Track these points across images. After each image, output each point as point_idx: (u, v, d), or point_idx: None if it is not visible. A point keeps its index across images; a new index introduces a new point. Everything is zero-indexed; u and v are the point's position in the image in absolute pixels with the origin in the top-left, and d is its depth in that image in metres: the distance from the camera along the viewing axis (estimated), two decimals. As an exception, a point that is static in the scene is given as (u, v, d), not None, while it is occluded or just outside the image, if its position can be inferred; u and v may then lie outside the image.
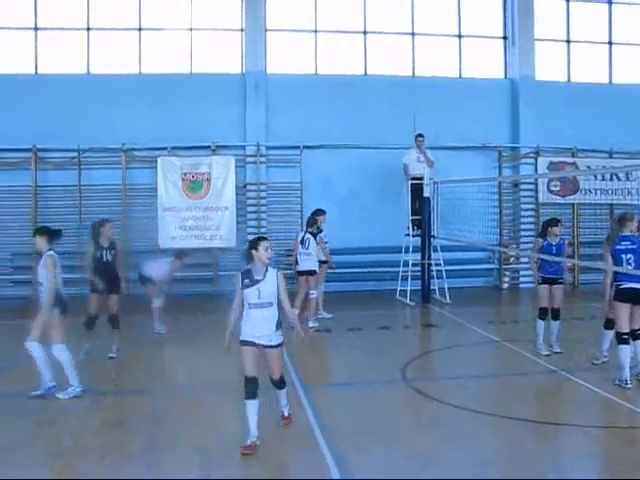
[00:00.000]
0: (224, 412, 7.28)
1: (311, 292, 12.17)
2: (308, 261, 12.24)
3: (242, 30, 16.88)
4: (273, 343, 6.35)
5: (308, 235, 12.26)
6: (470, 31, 17.97)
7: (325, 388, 8.43)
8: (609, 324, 8.80)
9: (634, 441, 6.59)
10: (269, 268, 6.36)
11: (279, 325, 6.37)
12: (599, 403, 7.81)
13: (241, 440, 6.06)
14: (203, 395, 7.90)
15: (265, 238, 6.50)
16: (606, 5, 18.66)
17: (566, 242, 10.20)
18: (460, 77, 17.83)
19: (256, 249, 6.28)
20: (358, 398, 7.91)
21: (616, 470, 5.85)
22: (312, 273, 12.23)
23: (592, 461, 6.17)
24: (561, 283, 9.85)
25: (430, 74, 17.59)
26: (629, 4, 18.82)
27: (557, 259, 9.68)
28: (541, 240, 9.88)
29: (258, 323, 6.28)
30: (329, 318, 12.77)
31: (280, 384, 6.57)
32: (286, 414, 6.81)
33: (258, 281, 6.28)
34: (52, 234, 8.08)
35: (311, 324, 11.99)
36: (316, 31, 17.27)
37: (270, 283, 6.30)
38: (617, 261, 8.21)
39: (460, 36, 17.88)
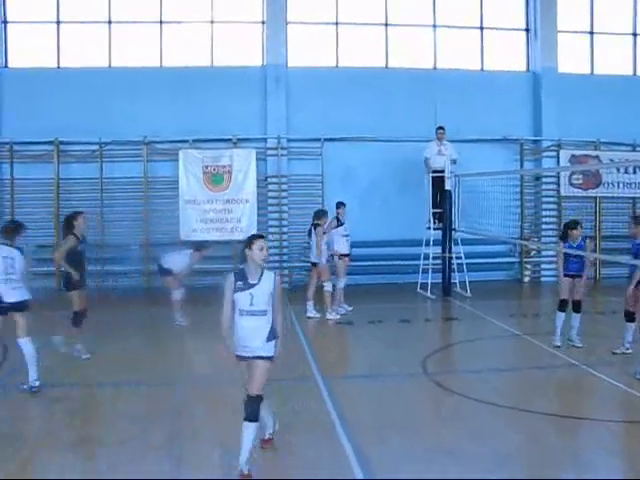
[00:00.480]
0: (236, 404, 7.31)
1: (324, 284, 12.22)
2: (311, 253, 12.47)
3: (263, 22, 16.88)
4: (261, 354, 5.52)
5: (311, 228, 12.38)
6: (492, 23, 17.84)
7: (345, 380, 8.46)
8: (630, 317, 8.85)
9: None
10: (265, 271, 5.57)
11: (272, 336, 5.56)
12: (620, 397, 7.78)
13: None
14: (224, 387, 7.92)
15: (261, 236, 5.71)
16: None
17: (587, 240, 10.17)
18: (482, 70, 17.71)
19: (250, 248, 5.50)
20: (378, 390, 7.93)
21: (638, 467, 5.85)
22: (315, 264, 12.32)
23: (614, 457, 6.13)
24: (581, 277, 9.83)
25: (452, 66, 17.50)
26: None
27: (580, 252, 9.64)
28: (562, 244, 9.89)
29: (247, 333, 5.49)
30: (350, 310, 12.78)
31: (254, 404, 5.48)
32: (266, 436, 6.03)
33: (252, 285, 5.48)
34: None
35: (329, 316, 12.05)
36: (337, 23, 17.24)
37: (265, 288, 5.51)
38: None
39: (482, 28, 17.75)
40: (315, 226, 12.27)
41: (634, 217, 8.78)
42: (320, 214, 12.48)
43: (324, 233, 12.32)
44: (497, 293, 15.56)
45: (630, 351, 9.04)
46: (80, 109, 15.85)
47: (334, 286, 12.56)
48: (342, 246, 12.82)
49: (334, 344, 11.01)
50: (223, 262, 15.80)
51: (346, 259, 13.04)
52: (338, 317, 12.16)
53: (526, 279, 17.38)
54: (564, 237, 9.88)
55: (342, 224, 12.87)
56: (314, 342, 10.56)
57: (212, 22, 16.92)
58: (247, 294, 5.45)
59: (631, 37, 18.53)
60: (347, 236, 12.98)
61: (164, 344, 10.43)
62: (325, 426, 6.59)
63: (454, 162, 14.97)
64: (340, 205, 12.96)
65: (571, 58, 18.13)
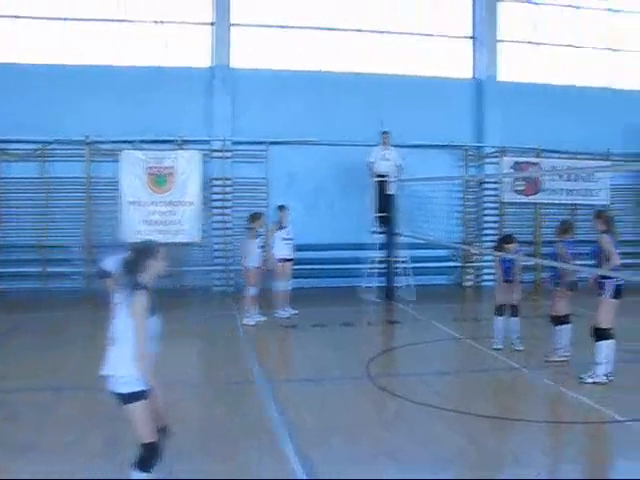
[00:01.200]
0: (182, 409, 7.25)
1: (249, 287, 12.16)
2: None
3: (212, 24, 16.78)
4: (118, 390, 4.60)
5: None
6: (438, 30, 18.08)
7: (289, 384, 8.45)
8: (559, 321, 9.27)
9: (592, 436, 6.78)
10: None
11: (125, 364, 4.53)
12: (558, 399, 7.97)
13: (206, 434, 6.03)
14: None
15: (161, 244, 4.92)
16: (571, 9, 18.94)
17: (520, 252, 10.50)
18: (427, 76, 17.87)
19: (155, 258, 4.71)
20: (322, 394, 7.94)
21: (573, 465, 6.01)
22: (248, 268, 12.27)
23: (550, 457, 6.26)
24: (518, 282, 10.11)
25: (398, 72, 17.66)
26: (592, 9, 19.13)
27: (513, 257, 9.91)
28: (511, 246, 10.09)
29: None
30: (294, 314, 12.77)
31: (144, 453, 4.62)
32: None
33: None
34: None
35: (245, 320, 11.99)
36: (284, 27, 17.24)
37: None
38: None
39: (428, 35, 17.97)
40: (249, 229, 12.25)
41: (597, 212, 8.93)
42: (253, 217, 12.42)
43: (257, 237, 12.25)
44: (440, 297, 15.75)
45: (568, 353, 9.24)
46: (23, 107, 15.47)
47: (277, 289, 12.56)
48: (283, 250, 12.77)
49: (277, 348, 11.01)
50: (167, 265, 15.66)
51: (288, 263, 13.00)
52: (253, 323, 11.99)
53: (468, 283, 17.64)
54: (499, 249, 10.12)
55: (284, 227, 12.84)
56: (257, 346, 10.55)
57: (160, 22, 16.73)
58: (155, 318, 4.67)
59: (572, 48, 18.99)
60: (289, 240, 12.94)
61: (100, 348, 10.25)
62: (268, 430, 6.58)
63: (399, 167, 15.10)
64: (282, 208, 12.93)
65: (514, 67, 18.50)
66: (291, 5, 17.34)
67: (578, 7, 18.99)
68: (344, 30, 17.56)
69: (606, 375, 8.23)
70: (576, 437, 6.72)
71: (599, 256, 8.33)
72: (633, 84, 19.49)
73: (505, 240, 10.24)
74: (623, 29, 19.49)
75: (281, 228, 12.80)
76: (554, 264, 9.31)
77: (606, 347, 8.23)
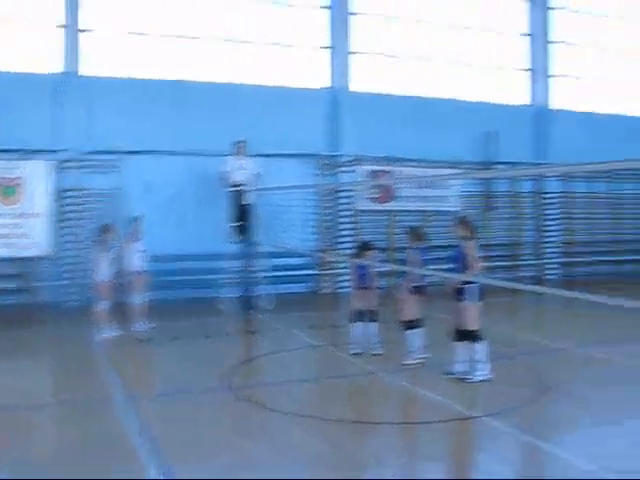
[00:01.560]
0: (31, 433, 6.94)
1: (101, 301, 11.82)
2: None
3: (66, 26, 16.12)
4: None
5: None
6: (293, 40, 18.29)
7: (148, 400, 8.23)
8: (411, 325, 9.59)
9: (449, 433, 7.08)
10: None
11: None
12: (416, 401, 8.24)
13: (61, 458, 5.78)
14: (21, 411, 7.49)
15: None
16: (422, 23, 19.74)
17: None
18: (283, 85, 18.03)
19: None
20: (182, 408, 7.80)
21: (432, 463, 6.22)
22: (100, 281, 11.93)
23: (409, 458, 6.47)
24: (373, 289, 10.36)
25: (253, 81, 17.70)
26: (442, 24, 20.02)
27: (365, 263, 10.13)
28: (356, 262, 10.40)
29: None
30: (151, 328, 12.46)
31: None
32: None
33: None
34: None
35: (104, 335, 11.64)
36: (139, 34, 16.81)
37: None
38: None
39: (283, 45, 18.14)
40: (99, 242, 11.90)
41: (459, 218, 9.29)
42: (104, 229, 12.05)
43: (109, 249, 11.91)
44: (298, 305, 15.89)
45: (423, 356, 9.56)
46: None
47: (133, 303, 12.24)
48: (137, 262, 12.44)
49: (136, 363, 10.69)
50: (15, 280, 14.97)
51: (143, 275, 12.67)
52: (108, 338, 11.62)
53: (325, 290, 17.89)
54: (358, 257, 10.36)
55: (138, 239, 12.52)
56: (114, 362, 10.22)
57: (4, 23, 15.92)
58: None
59: (419, 61, 19.78)
60: (143, 252, 12.63)
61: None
62: (126, 446, 6.39)
63: (256, 176, 15.11)
64: (136, 219, 12.62)
65: (369, 77, 19.03)
66: (147, 12, 16.93)
67: (429, 22, 19.81)
68: (200, 39, 17.38)
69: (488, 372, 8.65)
70: (434, 435, 6.96)
71: (461, 261, 8.66)
72: (480, 96, 20.56)
73: (364, 247, 10.47)
74: (470, 44, 20.52)
75: (135, 240, 12.47)
76: (406, 269, 9.61)
77: (483, 346, 8.62)
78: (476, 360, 8.62)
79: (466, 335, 8.67)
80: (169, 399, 8.16)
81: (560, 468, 6.12)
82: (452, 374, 8.81)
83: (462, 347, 8.79)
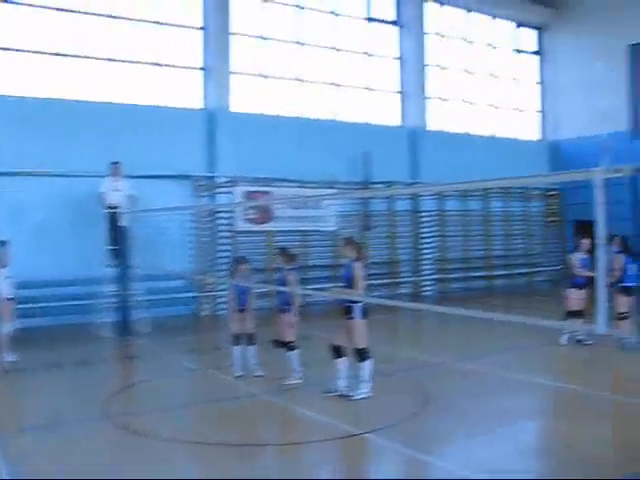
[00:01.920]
0: None
1: None
2: None
3: None
4: None
5: None
6: (170, 60, 18.09)
7: (19, 434, 7.76)
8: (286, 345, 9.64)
9: (333, 451, 7.11)
10: None
11: None
12: (298, 420, 8.23)
13: None
14: None
15: None
16: (298, 45, 19.98)
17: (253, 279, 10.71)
18: (159, 105, 17.78)
19: None
20: (57, 441, 7.43)
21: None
22: None
23: (298, 477, 6.44)
24: (249, 311, 10.29)
25: (130, 101, 17.32)
26: (318, 46, 20.35)
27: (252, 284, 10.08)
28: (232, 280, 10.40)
29: None
30: (19, 358, 11.82)
31: None
32: None
33: None
34: None
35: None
36: (18, 50, 16.17)
37: None
38: None
39: (160, 64, 17.90)
40: None
41: (346, 239, 9.38)
42: None
43: None
44: (178, 329, 15.59)
45: (300, 375, 9.58)
46: None
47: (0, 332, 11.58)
48: (5, 289, 11.79)
49: (5, 396, 10.11)
50: None
51: (11, 303, 12.02)
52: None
53: (204, 313, 17.67)
54: (234, 272, 10.31)
55: (4, 265, 11.87)
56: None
57: None
58: None
59: (297, 82, 20.02)
60: (10, 278, 11.98)
61: None
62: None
63: (130, 198, 14.78)
64: (3, 244, 11.99)
65: (245, 98, 19.06)
66: (24, 30, 16.25)
67: (303, 44, 20.08)
68: (75, 57, 16.85)
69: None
70: (318, 455, 6.99)
71: (349, 281, 8.76)
72: (357, 117, 21.01)
73: (238, 261, 10.52)
74: (348, 66, 20.98)
75: (3, 266, 11.85)
76: (285, 290, 9.62)
77: (370, 364, 8.70)
78: (361, 378, 8.71)
79: (355, 353, 8.76)
80: (43, 432, 7.76)
81: (440, 477, 6.29)
82: (334, 392, 8.87)
83: (343, 364, 8.88)
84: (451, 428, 7.69)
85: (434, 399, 8.78)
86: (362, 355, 8.72)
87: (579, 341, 12.32)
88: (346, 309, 8.76)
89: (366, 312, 8.77)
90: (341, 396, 8.76)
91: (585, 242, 12.55)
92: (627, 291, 12.15)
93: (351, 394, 8.70)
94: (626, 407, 8.60)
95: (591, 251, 12.21)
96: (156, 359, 12.13)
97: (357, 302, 8.67)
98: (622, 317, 11.84)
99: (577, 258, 12.71)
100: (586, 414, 8.32)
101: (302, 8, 20.21)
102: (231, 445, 7.10)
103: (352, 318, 8.71)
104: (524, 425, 8.09)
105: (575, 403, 9.02)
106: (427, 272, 21.60)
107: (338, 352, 8.90)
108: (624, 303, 12.10)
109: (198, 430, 7.83)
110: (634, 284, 12.15)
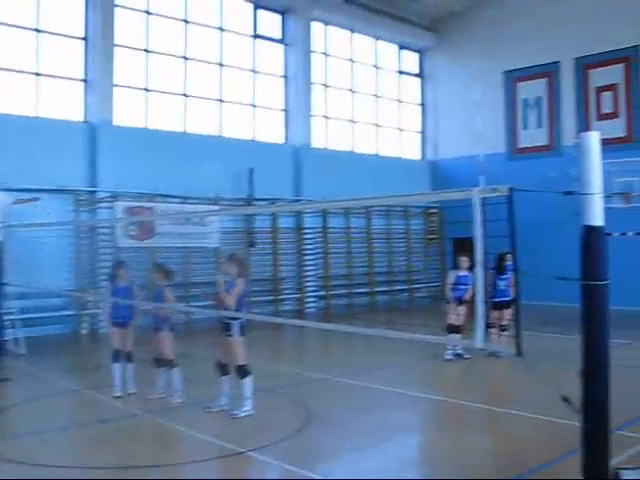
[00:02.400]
0: None
1: None
2: None
3: None
4: None
5: None
6: (52, 70, 17.47)
7: None
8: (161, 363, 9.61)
9: (216, 473, 7.04)
10: None
11: None
12: (182, 440, 8.07)
13: None
14: None
15: None
16: (182, 60, 19.80)
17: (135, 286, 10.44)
18: (38, 117, 17.15)
19: None
20: None
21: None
22: None
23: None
24: (130, 327, 10.05)
25: (6, 111, 16.60)
26: (201, 61, 20.23)
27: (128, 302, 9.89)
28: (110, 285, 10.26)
29: None
30: None
31: None
32: None
33: None
34: None
35: None
36: None
37: None
38: None
39: (38, 74, 17.25)
40: None
41: (230, 255, 9.33)
42: None
43: None
44: (56, 348, 15.01)
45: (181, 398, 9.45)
46: None
47: None
48: None
49: None
50: None
51: None
52: None
53: (84, 331, 17.10)
54: (113, 278, 10.20)
55: None
56: None
57: None
58: None
59: (182, 97, 19.81)
60: None
61: None
62: None
63: (5, 212, 14.15)
64: None
65: (128, 112, 18.67)
66: None
67: (189, 58, 19.92)
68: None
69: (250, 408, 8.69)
70: (204, 474, 6.89)
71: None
72: (239, 133, 20.99)
73: (117, 266, 10.38)
74: (231, 83, 20.95)
75: None
76: (165, 307, 9.48)
77: (251, 381, 8.67)
78: (243, 395, 8.67)
79: (235, 370, 8.71)
80: None
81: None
82: (216, 409, 8.79)
83: (227, 382, 8.83)
84: (335, 443, 7.74)
85: (318, 415, 8.82)
86: (242, 372, 8.69)
87: (459, 355, 12.70)
88: (225, 326, 8.73)
89: (245, 329, 8.78)
90: (223, 413, 8.70)
91: (463, 259, 12.99)
92: (497, 306, 12.70)
93: (234, 412, 8.64)
94: (501, 416, 8.93)
95: (471, 268, 12.67)
96: (32, 380, 11.61)
97: (236, 319, 8.65)
98: (491, 326, 12.35)
99: (453, 276, 13.13)
100: (465, 425, 8.60)
101: (188, 22, 20.05)
102: (115, 468, 6.88)
103: (231, 335, 8.69)
104: (407, 438, 8.26)
105: (455, 415, 9.30)
106: (310, 289, 21.74)
107: (223, 369, 8.84)
108: (495, 317, 12.65)
109: (78, 454, 7.54)
110: (505, 299, 12.69)
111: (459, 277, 12.98)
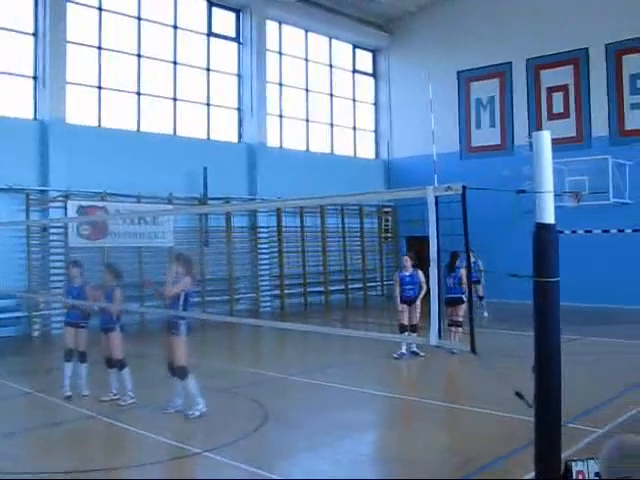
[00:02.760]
0: None
1: None
2: None
3: None
4: None
5: None
6: (2, 67, 17.09)
7: None
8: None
9: (171, 473, 6.92)
10: None
11: None
12: (137, 441, 7.98)
13: None
14: None
15: None
16: (135, 57, 19.57)
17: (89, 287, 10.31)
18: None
19: None
20: None
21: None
22: None
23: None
24: (83, 327, 9.91)
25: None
26: (155, 59, 20.03)
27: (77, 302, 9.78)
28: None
29: None
30: None
31: None
32: None
33: None
34: None
35: None
36: None
37: None
38: None
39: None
40: None
41: (176, 255, 9.30)
42: None
43: None
44: (6, 350, 14.68)
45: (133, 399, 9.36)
46: None
47: None
48: None
49: None
50: None
51: None
52: None
53: (36, 333, 16.79)
54: (69, 273, 10.23)
55: None
56: None
57: None
58: None
59: (135, 95, 19.59)
60: None
61: None
62: None
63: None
64: None
65: (80, 110, 18.38)
66: None
67: (141, 55, 19.71)
68: None
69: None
70: (161, 475, 6.83)
71: (177, 296, 8.63)
72: (194, 132, 20.85)
73: (70, 265, 10.35)
74: (185, 81, 20.80)
75: None
76: (116, 307, 9.37)
77: (192, 381, 8.60)
78: (191, 395, 8.60)
79: (177, 370, 8.64)
80: None
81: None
82: (172, 410, 8.74)
83: (178, 383, 8.76)
84: (292, 443, 7.75)
85: (274, 414, 8.81)
86: (181, 373, 8.62)
87: (414, 353, 12.78)
88: (170, 324, 8.65)
89: (191, 329, 8.72)
90: (179, 413, 8.63)
91: (405, 259, 13.12)
92: (448, 303, 12.84)
93: (189, 412, 8.58)
94: (456, 413, 9.03)
95: (415, 267, 12.80)
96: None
97: (183, 318, 8.58)
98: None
99: (397, 277, 13.19)
100: (421, 422, 8.67)
101: (142, 20, 19.83)
102: (66, 472, 6.76)
103: (175, 334, 8.61)
104: (363, 436, 8.30)
105: (411, 412, 9.37)
106: (265, 288, 21.70)
107: (174, 370, 8.76)
108: (448, 314, 12.79)
109: (28, 459, 7.38)
110: (453, 296, 12.84)
111: (404, 277, 13.01)
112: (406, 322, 12.76)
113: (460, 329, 12.66)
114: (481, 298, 18.62)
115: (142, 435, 8.04)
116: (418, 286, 12.80)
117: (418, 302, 12.79)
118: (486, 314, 18.41)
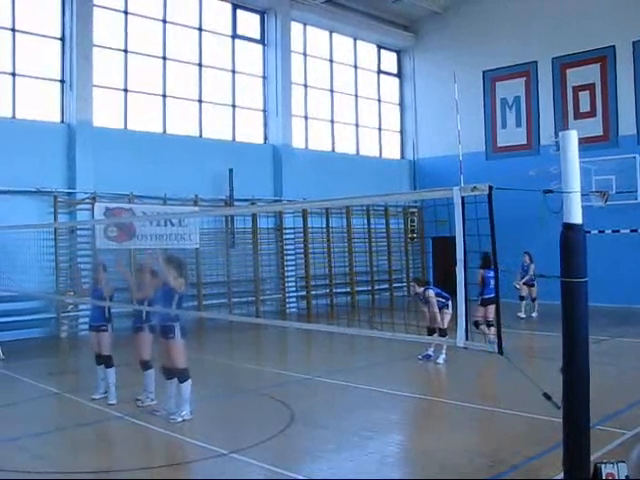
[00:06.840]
0: None
1: None
2: None
3: None
4: None
5: None
6: (26, 71, 17.26)
7: None
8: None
9: (198, 475, 6.93)
10: None
11: None
12: (166, 442, 8.02)
13: None
14: None
15: None
16: (160, 60, 19.69)
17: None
18: (14, 118, 16.99)
19: None
20: None
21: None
22: None
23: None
24: (104, 330, 9.83)
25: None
26: (180, 61, 20.14)
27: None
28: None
29: None
30: None
31: None
32: None
33: None
34: None
35: None
36: None
37: None
38: None
39: (14, 75, 17.08)
40: None
41: (167, 258, 9.33)
42: None
43: None
44: (34, 351, 14.83)
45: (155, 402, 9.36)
46: None
47: None
48: None
49: None
50: None
51: None
52: None
53: (64, 334, 16.95)
54: (95, 278, 10.23)
55: None
56: None
57: None
58: None
59: (161, 98, 19.70)
60: None
61: None
62: None
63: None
64: None
65: (106, 113, 18.52)
66: None
67: (166, 58, 19.82)
68: None
69: (191, 412, 8.59)
70: (189, 476, 6.83)
71: (171, 298, 8.65)
72: (219, 134, 20.92)
73: (96, 269, 10.38)
74: (211, 83, 20.89)
75: None
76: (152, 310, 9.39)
77: (189, 385, 8.60)
78: (182, 398, 8.59)
79: (177, 373, 8.63)
80: None
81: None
82: (162, 412, 8.75)
83: (172, 385, 8.77)
84: (319, 444, 7.73)
85: (301, 415, 8.81)
86: (182, 376, 8.60)
87: (427, 356, 12.63)
88: (165, 328, 8.61)
89: (185, 332, 8.70)
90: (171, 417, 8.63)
91: (412, 285, 12.99)
92: (484, 302, 12.74)
93: (173, 416, 8.54)
94: (483, 414, 8.96)
95: (426, 288, 12.69)
96: (10, 384, 11.48)
97: (177, 321, 8.56)
98: (478, 325, 12.46)
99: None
100: (447, 423, 8.63)
101: (167, 22, 19.95)
102: (98, 472, 6.81)
103: (171, 337, 8.57)
104: (389, 437, 8.25)
105: (437, 413, 9.32)
106: (291, 289, 21.72)
107: (168, 373, 8.76)
108: (481, 314, 12.69)
109: (58, 459, 7.45)
110: (492, 296, 12.73)
111: (419, 298, 12.83)
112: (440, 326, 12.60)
113: (492, 329, 12.57)
114: (534, 300, 18.62)
115: (168, 436, 8.08)
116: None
117: (448, 310, 12.50)
118: (534, 314, 18.36)
